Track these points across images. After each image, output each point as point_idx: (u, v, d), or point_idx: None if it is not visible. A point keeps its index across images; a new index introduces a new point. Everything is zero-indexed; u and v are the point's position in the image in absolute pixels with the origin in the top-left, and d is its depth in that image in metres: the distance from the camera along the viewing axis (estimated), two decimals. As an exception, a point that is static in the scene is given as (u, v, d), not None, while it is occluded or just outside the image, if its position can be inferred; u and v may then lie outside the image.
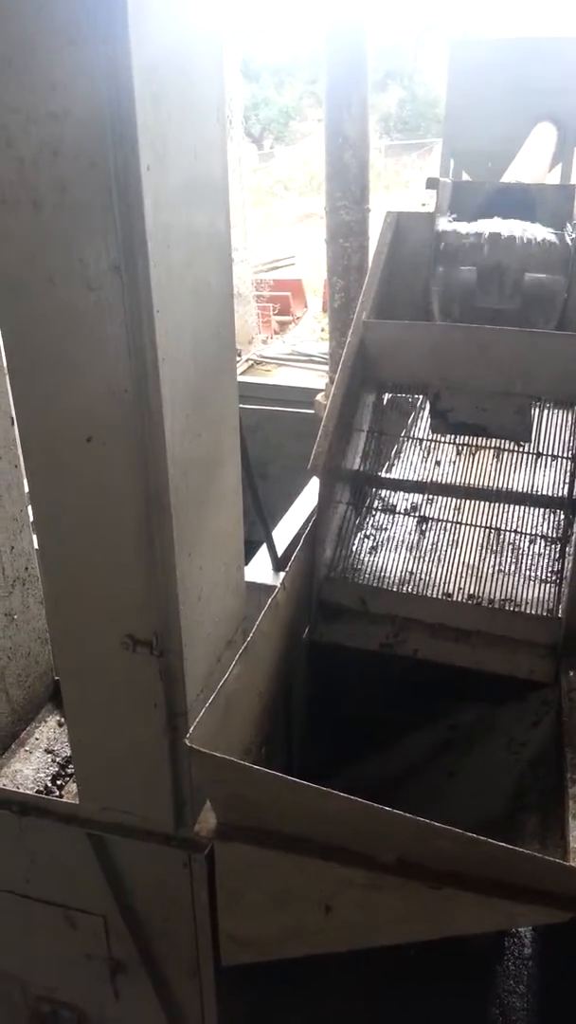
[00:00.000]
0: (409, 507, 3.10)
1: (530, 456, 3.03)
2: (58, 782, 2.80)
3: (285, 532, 5.09)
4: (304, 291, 14.86)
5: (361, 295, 3.13)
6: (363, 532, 3.10)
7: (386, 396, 3.22)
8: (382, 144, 29.66)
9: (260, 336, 12.11)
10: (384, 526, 3.11)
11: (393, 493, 3.16)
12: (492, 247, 3.16)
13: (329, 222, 5.59)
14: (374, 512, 3.15)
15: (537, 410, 2.96)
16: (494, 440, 3.06)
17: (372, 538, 3.08)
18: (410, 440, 3.22)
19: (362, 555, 3.01)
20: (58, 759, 2.88)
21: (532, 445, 3.00)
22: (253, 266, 13.46)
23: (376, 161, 27.31)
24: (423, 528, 3.03)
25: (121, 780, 2.47)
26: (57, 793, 2.76)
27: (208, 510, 2.25)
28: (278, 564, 4.67)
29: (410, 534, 3.04)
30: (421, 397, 3.14)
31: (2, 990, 3.09)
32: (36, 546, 2.55)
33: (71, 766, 2.79)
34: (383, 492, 3.18)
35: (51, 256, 1.73)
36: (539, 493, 2.97)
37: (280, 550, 4.74)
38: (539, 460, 3.01)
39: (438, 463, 3.15)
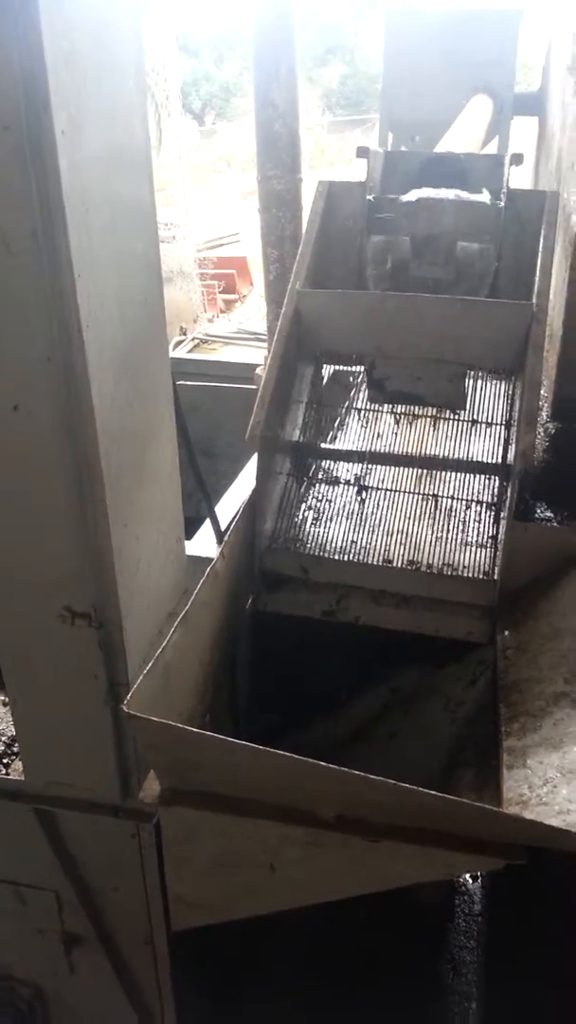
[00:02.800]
0: (351, 478, 3.12)
1: (466, 424, 3.07)
2: (4, 760, 2.79)
3: (229, 506, 5.08)
4: (249, 269, 14.70)
5: (295, 265, 3.13)
6: (305, 503, 3.12)
7: (324, 367, 3.24)
8: (325, 120, 29.50)
9: (205, 315, 12.03)
10: (327, 497, 3.13)
11: (335, 464, 3.19)
12: (424, 215, 3.18)
13: (261, 192, 5.51)
14: (316, 483, 3.17)
15: (471, 378, 3.00)
16: (431, 409, 3.10)
17: (314, 509, 3.10)
18: (351, 411, 3.24)
19: (305, 525, 3.04)
20: (3, 738, 2.87)
21: (467, 413, 3.05)
22: (196, 244, 13.33)
23: (320, 138, 27.16)
24: (363, 497, 3.07)
25: (65, 754, 2.47)
26: (3, 771, 2.75)
27: (144, 481, 2.25)
28: (221, 538, 4.67)
29: (351, 503, 3.07)
30: (361, 369, 3.16)
31: (-44, 970, 3.08)
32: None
33: (16, 745, 2.78)
34: (325, 463, 3.20)
35: (-31, 223, 1.70)
36: (475, 460, 3.02)
37: (224, 524, 4.74)
38: (475, 428, 3.06)
39: (379, 434, 3.17)
